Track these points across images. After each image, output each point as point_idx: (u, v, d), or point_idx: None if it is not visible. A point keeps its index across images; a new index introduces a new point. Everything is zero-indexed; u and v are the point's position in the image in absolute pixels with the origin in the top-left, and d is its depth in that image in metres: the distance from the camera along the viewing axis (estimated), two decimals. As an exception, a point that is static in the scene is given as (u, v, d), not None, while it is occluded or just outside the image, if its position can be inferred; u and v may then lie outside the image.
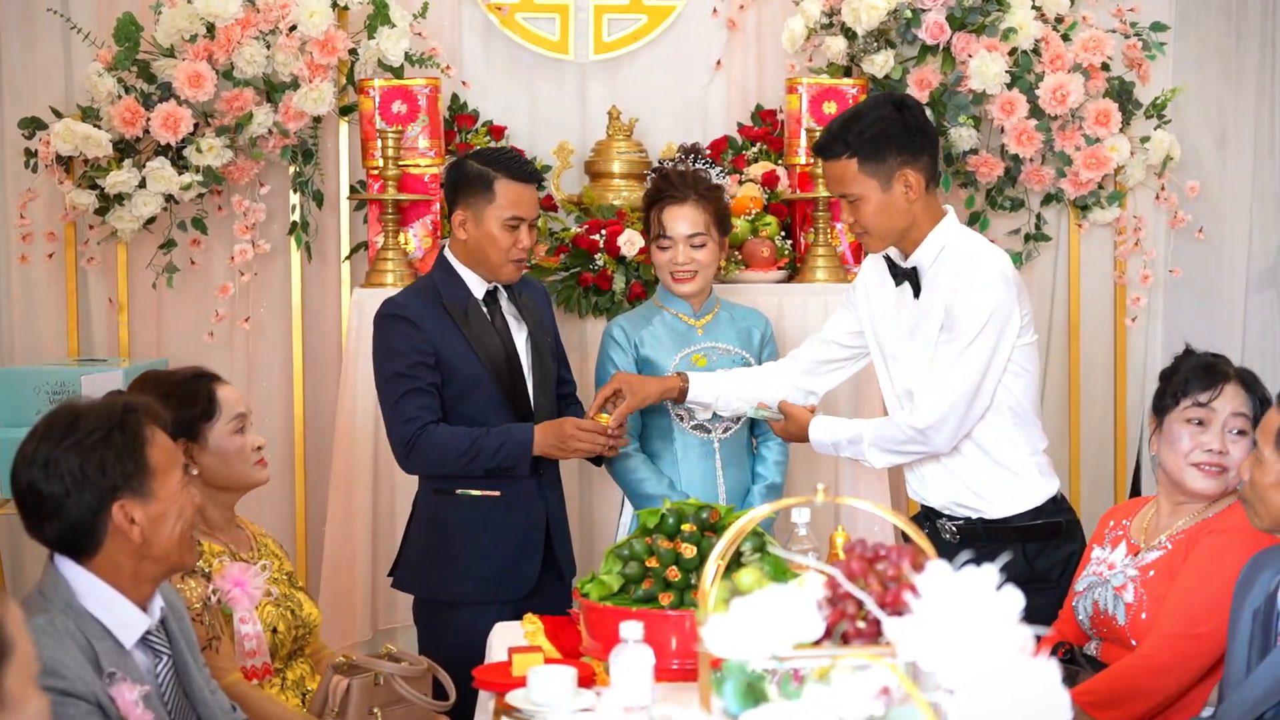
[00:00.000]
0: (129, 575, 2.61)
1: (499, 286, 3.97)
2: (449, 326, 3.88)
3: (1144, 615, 3.27)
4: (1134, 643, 3.29)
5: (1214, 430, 3.30)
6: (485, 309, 3.94)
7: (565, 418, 3.92)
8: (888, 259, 3.72)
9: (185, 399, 3.35)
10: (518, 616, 3.59)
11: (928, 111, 4.93)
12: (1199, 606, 3.19)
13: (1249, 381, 3.34)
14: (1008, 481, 3.67)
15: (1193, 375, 3.35)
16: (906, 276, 3.67)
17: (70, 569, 2.59)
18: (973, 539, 3.65)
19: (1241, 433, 3.30)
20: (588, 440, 3.86)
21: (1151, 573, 3.30)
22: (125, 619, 2.60)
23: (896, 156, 3.57)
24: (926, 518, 3.78)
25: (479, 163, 3.93)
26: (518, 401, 3.92)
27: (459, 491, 3.90)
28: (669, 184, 4.11)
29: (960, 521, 3.70)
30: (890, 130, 3.57)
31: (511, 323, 3.98)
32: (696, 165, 4.17)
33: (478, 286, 3.95)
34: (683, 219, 4.06)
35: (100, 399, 2.70)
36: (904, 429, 3.64)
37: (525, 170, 3.93)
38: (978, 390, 3.59)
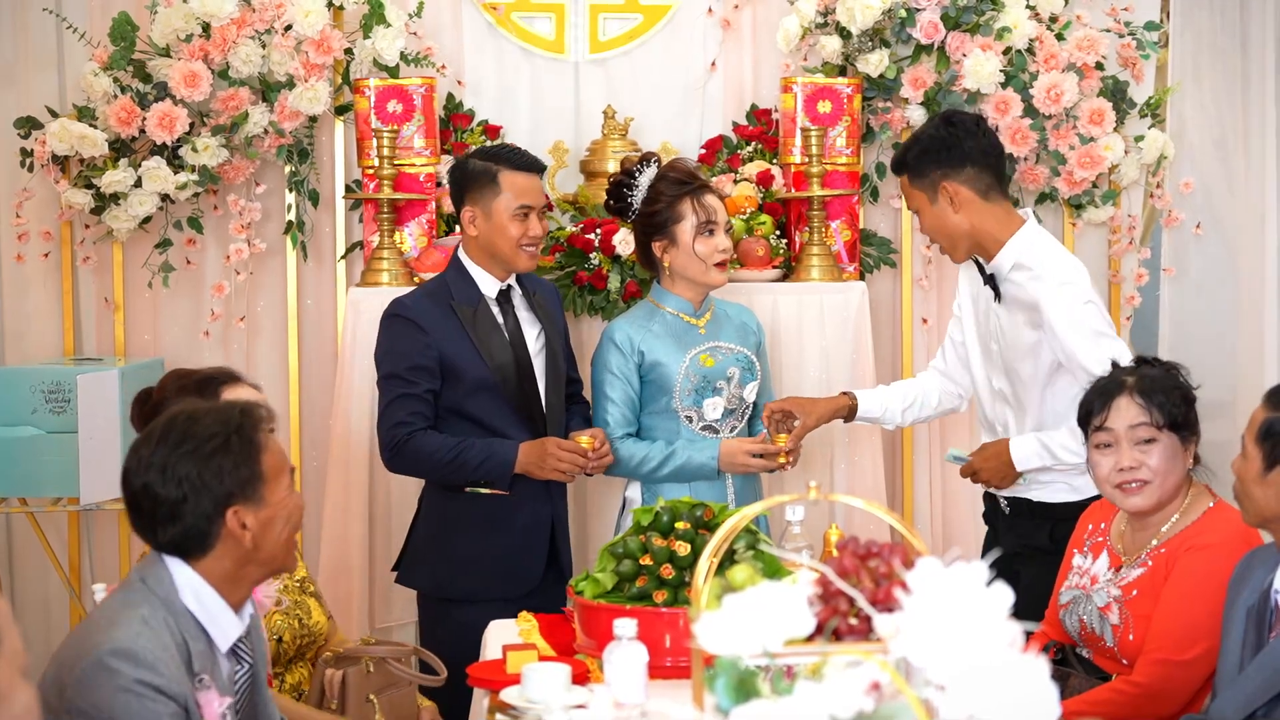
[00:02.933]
0: (231, 578, 2.59)
1: (512, 285, 4.01)
2: (456, 329, 3.91)
3: (1131, 637, 3.26)
4: (1125, 662, 3.29)
5: (1122, 448, 3.28)
6: (498, 309, 3.98)
7: (548, 437, 3.92)
8: (976, 261, 3.93)
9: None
10: (511, 612, 3.60)
11: (921, 110, 4.98)
12: (1186, 630, 3.18)
13: (1146, 388, 3.30)
14: (1069, 478, 3.85)
15: (1091, 399, 3.35)
16: (988, 281, 3.90)
17: (175, 564, 2.56)
18: (1020, 514, 3.93)
19: (1149, 441, 3.28)
20: (568, 461, 3.89)
21: (1135, 592, 3.28)
22: (223, 622, 2.59)
23: (936, 170, 3.81)
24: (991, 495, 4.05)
25: (481, 159, 4.01)
26: (526, 403, 3.95)
27: (468, 490, 3.93)
28: (693, 175, 4.12)
29: (1011, 499, 3.96)
30: (930, 146, 3.84)
31: (525, 322, 4.01)
32: (648, 167, 4.11)
33: (490, 286, 3.99)
34: (719, 208, 4.09)
35: (214, 404, 2.70)
36: None
37: (527, 160, 4.01)
38: (1109, 332, 3.75)
